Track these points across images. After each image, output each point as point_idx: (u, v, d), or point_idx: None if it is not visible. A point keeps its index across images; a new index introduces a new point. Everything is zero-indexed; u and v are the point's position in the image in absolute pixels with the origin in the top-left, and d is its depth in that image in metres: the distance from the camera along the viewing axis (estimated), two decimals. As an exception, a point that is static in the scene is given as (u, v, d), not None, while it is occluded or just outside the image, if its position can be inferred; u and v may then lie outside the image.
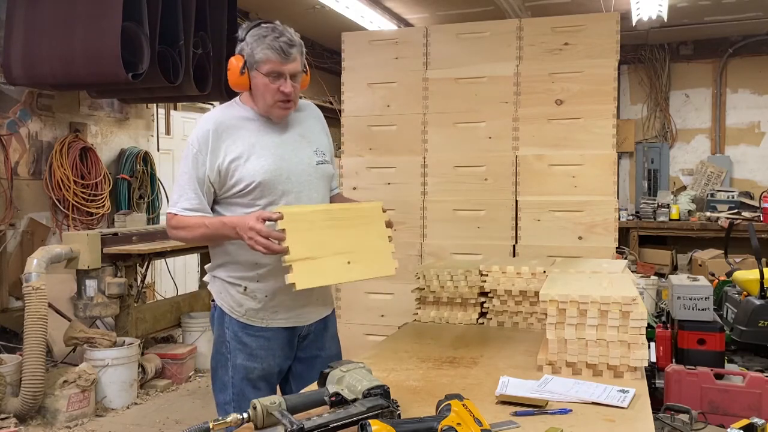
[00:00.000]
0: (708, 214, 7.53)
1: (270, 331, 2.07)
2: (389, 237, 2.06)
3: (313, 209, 1.99)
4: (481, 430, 1.21)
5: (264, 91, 1.99)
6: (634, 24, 6.42)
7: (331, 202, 2.21)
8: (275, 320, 2.07)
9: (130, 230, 4.83)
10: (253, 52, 1.96)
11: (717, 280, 3.83)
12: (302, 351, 2.14)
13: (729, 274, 3.66)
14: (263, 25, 2.00)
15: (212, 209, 2.04)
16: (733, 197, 7.60)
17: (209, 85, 5.15)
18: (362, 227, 2.04)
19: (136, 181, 5.78)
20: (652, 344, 2.78)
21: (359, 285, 3.25)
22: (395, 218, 2.83)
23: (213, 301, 2.16)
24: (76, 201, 5.13)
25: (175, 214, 2.01)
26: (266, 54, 1.95)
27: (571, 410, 1.45)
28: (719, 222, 7.22)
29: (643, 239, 7.85)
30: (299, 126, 2.13)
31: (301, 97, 2.20)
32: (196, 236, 2.01)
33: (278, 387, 2.19)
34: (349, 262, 1.96)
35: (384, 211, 2.07)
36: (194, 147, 1.99)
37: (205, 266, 2.20)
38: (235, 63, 2.00)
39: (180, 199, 2.00)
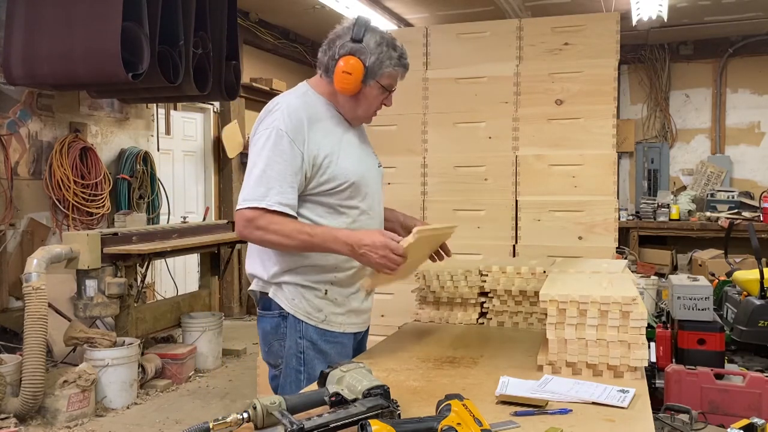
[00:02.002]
0: (708, 214, 7.53)
1: (345, 336, 1.99)
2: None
3: (432, 229, 1.99)
4: (481, 430, 1.21)
5: (372, 101, 1.97)
6: (634, 24, 6.42)
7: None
8: (350, 324, 2.00)
9: (130, 230, 4.83)
10: (382, 62, 1.90)
11: (717, 280, 3.83)
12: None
13: (729, 274, 3.66)
14: (380, 32, 1.93)
15: None
16: (733, 197, 7.60)
17: (209, 85, 5.15)
18: (434, 246, 2.11)
19: (136, 181, 5.78)
20: (652, 344, 2.78)
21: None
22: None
23: (279, 311, 1.95)
24: (76, 201, 5.13)
25: (265, 210, 1.76)
26: (396, 71, 1.95)
27: (571, 410, 1.45)
28: (719, 222, 7.22)
29: (643, 239, 7.85)
30: (359, 132, 2.10)
31: None
32: (293, 244, 1.80)
33: None
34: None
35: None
36: (288, 135, 1.81)
37: (251, 273, 2.00)
38: (356, 67, 1.88)
39: (270, 193, 1.77)
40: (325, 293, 1.94)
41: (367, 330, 2.18)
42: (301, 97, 1.95)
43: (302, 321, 1.93)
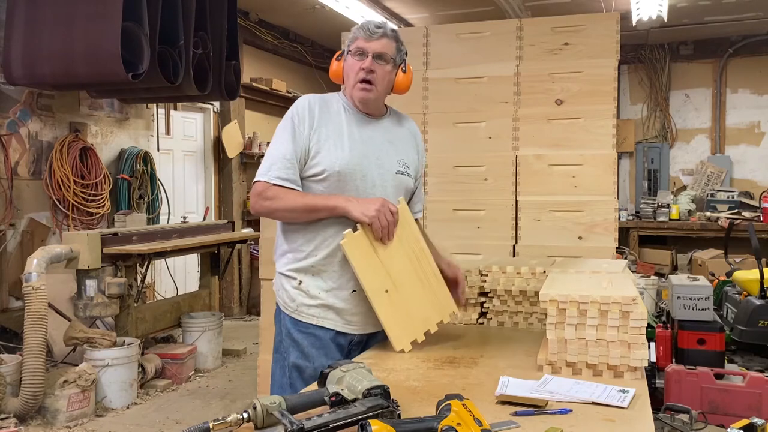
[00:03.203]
0: (708, 214, 7.53)
1: (321, 330, 2.00)
2: (431, 327, 2.06)
3: (414, 228, 2.06)
4: (481, 430, 1.21)
5: (349, 70, 2.05)
6: (634, 24, 6.42)
7: None
8: (326, 320, 2.01)
9: (130, 230, 4.83)
10: (349, 37, 2.06)
11: (717, 280, 3.82)
12: (353, 358, 2.05)
13: (729, 274, 3.66)
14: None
15: None
16: (733, 197, 7.60)
17: (209, 85, 5.15)
18: (423, 290, 2.05)
19: (136, 181, 5.78)
20: (652, 344, 2.77)
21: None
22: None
23: (276, 300, 2.12)
24: (76, 201, 5.13)
25: (267, 183, 1.95)
26: (356, 34, 2.04)
27: (571, 410, 1.45)
28: (719, 222, 7.22)
29: (643, 239, 7.85)
30: (390, 133, 2.13)
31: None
32: (299, 207, 1.95)
33: None
34: (387, 291, 1.96)
35: (454, 312, 2.13)
36: (295, 119, 2.00)
37: (275, 259, 2.16)
38: (336, 54, 2.12)
39: (273, 168, 1.95)
40: (299, 284, 2.02)
41: (375, 334, 2.09)
42: (323, 95, 2.12)
43: (281, 310, 2.07)
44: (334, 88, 2.19)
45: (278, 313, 2.09)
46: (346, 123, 2.04)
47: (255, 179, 2.00)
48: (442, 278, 2.12)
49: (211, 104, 7.05)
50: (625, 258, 6.11)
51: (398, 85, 2.11)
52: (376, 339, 2.10)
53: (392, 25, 2.10)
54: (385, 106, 2.17)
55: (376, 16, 6.51)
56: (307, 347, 1.99)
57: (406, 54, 2.12)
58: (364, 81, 2.01)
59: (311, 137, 1.98)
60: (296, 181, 1.97)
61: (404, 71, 2.11)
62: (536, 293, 2.14)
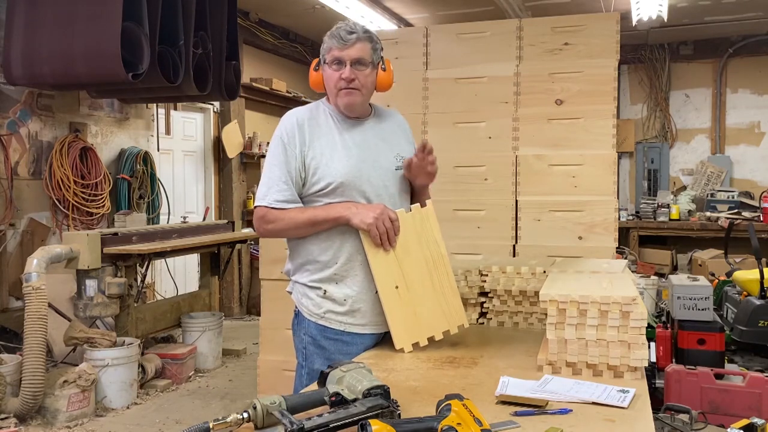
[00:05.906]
0: (708, 214, 7.53)
1: (348, 335, 2.02)
2: (436, 334, 2.04)
3: (437, 233, 2.10)
4: (481, 430, 1.21)
5: (329, 80, 2.02)
6: (634, 24, 6.42)
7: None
8: (354, 325, 2.02)
9: (130, 230, 4.83)
10: (323, 47, 2.02)
11: (717, 280, 3.82)
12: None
13: (729, 274, 3.66)
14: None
15: None
16: (733, 197, 7.60)
17: (209, 85, 5.15)
18: (434, 296, 2.04)
19: (136, 181, 5.78)
20: (652, 344, 2.77)
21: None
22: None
23: (295, 308, 2.12)
24: (76, 201, 5.13)
25: (267, 208, 1.97)
26: (329, 43, 2.00)
27: (571, 410, 1.45)
28: (719, 222, 7.22)
29: (643, 239, 7.85)
30: (380, 130, 2.12)
31: (387, 106, 2.31)
32: (302, 222, 1.96)
33: None
34: (396, 287, 1.98)
35: (463, 325, 2.09)
36: (284, 139, 1.99)
37: (283, 271, 2.18)
38: (314, 64, 2.06)
39: (270, 191, 1.97)
40: (324, 293, 2.02)
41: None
42: (309, 107, 2.10)
43: (305, 318, 2.05)
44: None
45: (301, 321, 2.07)
46: (337, 132, 2.03)
47: (255, 203, 2.03)
48: (457, 289, 2.12)
49: (211, 104, 7.05)
50: (625, 258, 6.11)
51: (381, 83, 2.08)
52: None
53: (363, 25, 2.03)
54: (370, 105, 2.14)
55: (376, 16, 6.51)
56: (334, 353, 2.00)
57: (382, 50, 2.07)
58: (346, 88, 1.99)
59: (306, 154, 1.98)
60: (295, 200, 1.98)
61: (384, 69, 2.07)
62: (536, 293, 2.14)
